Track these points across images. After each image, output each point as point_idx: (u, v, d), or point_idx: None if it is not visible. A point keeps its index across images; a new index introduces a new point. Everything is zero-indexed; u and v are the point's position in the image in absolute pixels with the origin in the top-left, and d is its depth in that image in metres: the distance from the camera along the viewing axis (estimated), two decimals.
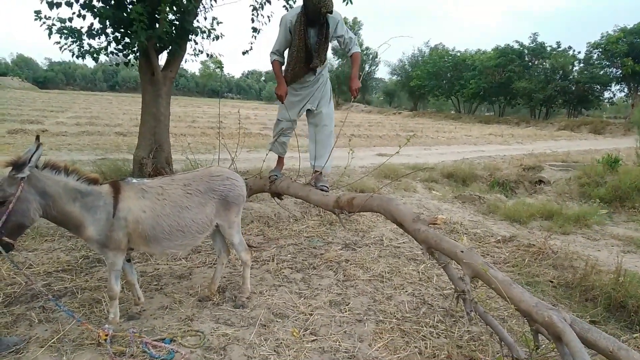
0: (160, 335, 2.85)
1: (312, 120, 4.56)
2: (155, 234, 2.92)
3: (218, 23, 6.62)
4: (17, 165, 2.44)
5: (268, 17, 7.02)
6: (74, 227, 2.75)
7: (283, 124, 4.56)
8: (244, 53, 7.03)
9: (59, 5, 5.06)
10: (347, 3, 6.69)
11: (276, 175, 4.46)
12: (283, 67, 4.32)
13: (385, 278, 4.06)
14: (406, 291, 3.82)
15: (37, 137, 2.56)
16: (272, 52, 4.27)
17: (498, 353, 2.77)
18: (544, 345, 2.72)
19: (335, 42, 4.36)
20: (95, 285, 3.56)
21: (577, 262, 4.47)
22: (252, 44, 7.06)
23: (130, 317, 3.09)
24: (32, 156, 2.46)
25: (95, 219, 2.73)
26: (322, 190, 4.11)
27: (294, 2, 7.09)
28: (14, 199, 2.42)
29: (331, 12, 3.89)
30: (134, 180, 3.01)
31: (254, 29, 6.97)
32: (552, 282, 4.13)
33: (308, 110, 4.48)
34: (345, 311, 3.38)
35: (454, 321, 3.34)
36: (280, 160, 4.80)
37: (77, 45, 5.35)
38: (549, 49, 39.56)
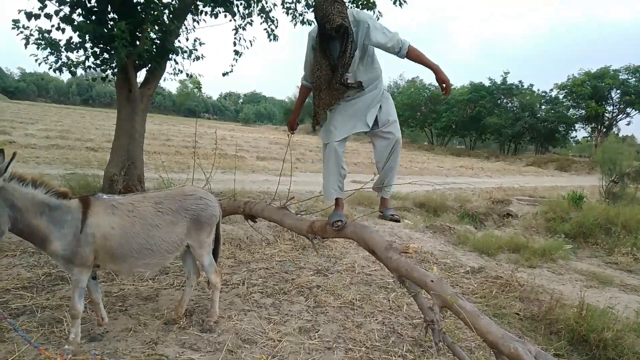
0: (123, 359, 2.75)
1: (376, 138, 3.53)
2: (123, 251, 2.85)
3: (200, 44, 6.68)
4: None
5: (250, 41, 7.13)
6: (40, 241, 2.67)
7: (335, 147, 3.38)
8: (224, 74, 7.09)
9: (37, 17, 5.00)
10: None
11: (341, 220, 3.43)
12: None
13: (356, 305, 4.05)
14: (376, 319, 3.81)
15: (1, 150, 2.49)
16: (302, 78, 3.57)
17: None
18: None
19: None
20: (56, 304, 3.42)
21: (542, 295, 4.57)
22: (232, 66, 7.13)
23: (92, 338, 2.98)
24: (6, 167, 2.39)
25: (62, 233, 2.66)
26: (392, 219, 3.59)
27: (276, 27, 7.24)
28: None
29: (337, 28, 3.00)
30: (104, 196, 2.95)
31: (236, 52, 7.06)
32: (518, 314, 4.20)
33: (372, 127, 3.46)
34: (315, 338, 3.34)
35: (422, 351, 3.35)
36: (339, 201, 3.60)
37: (54, 58, 5.27)
38: (521, 87, 41.31)
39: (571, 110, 38.26)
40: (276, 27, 7.24)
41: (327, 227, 3.53)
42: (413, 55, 3.20)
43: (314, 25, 3.25)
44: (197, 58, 6.59)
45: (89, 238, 2.72)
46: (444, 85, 3.19)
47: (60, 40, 5.28)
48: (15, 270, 3.96)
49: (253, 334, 3.29)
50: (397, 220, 3.61)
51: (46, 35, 5.12)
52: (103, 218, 2.79)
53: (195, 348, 3.00)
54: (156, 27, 5.67)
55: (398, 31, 3.18)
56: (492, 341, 2.25)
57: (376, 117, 3.40)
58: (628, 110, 35.29)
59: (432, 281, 2.68)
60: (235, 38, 6.98)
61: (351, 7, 3.30)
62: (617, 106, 35.80)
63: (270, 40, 7.24)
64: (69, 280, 3.79)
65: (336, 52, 3.17)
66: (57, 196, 2.69)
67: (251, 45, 7.15)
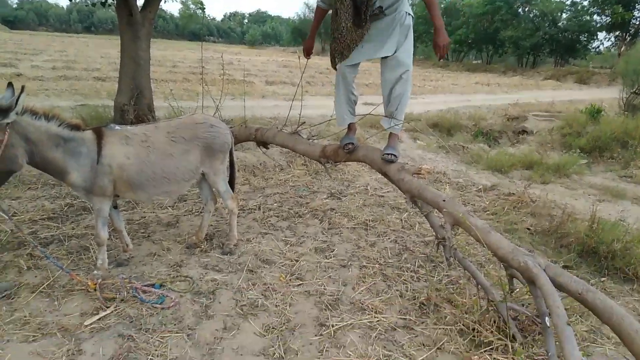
0: (150, 281, 2.92)
1: (384, 68, 3.26)
2: (140, 180, 2.92)
3: None
4: (2, 111, 2.37)
5: None
6: (58, 173, 2.73)
7: (344, 71, 3.29)
8: None
9: None
10: None
11: (352, 143, 3.47)
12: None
13: (369, 226, 4.16)
14: (389, 238, 3.94)
15: (10, 84, 2.48)
16: None
17: (475, 295, 2.92)
18: (517, 289, 2.87)
19: None
20: (82, 232, 3.58)
21: (554, 210, 4.64)
22: None
23: (119, 263, 3.15)
24: (17, 101, 2.39)
25: (79, 165, 2.71)
26: (384, 158, 3.27)
27: None
28: (2, 145, 2.38)
29: None
30: (117, 127, 2.96)
31: None
32: (529, 229, 4.29)
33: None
34: (330, 257, 3.49)
35: (433, 266, 3.48)
36: (351, 125, 3.57)
37: None
38: None
39: (595, 17, 35.91)
40: None
41: (339, 151, 3.54)
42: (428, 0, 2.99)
43: None
44: None
45: (106, 169, 2.77)
46: (439, 48, 2.97)
47: None
48: (39, 202, 4.11)
49: (271, 255, 3.45)
50: (390, 161, 3.28)
51: None
52: (118, 148, 2.82)
53: (218, 269, 3.17)
54: None
55: None
56: (502, 256, 2.33)
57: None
58: None
59: (444, 200, 2.72)
60: None
61: None
62: None
63: None
64: (91, 210, 3.94)
65: None
66: (71, 128, 2.70)
67: None
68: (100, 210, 2.87)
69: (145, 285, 2.83)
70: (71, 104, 8.52)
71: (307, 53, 3.69)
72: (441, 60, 3.22)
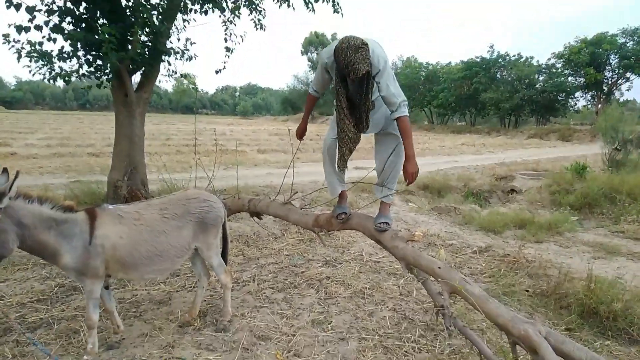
0: None
1: (377, 140, 3.40)
2: (133, 259, 2.89)
3: (192, 44, 6.64)
4: None
5: (241, 36, 7.10)
6: (50, 256, 2.70)
7: (328, 144, 3.34)
8: (217, 72, 7.08)
9: (27, 29, 4.98)
10: (336, 12, 6.85)
11: (345, 213, 3.49)
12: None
13: (367, 294, 4.09)
14: (387, 306, 3.86)
15: (5, 169, 2.52)
16: (311, 86, 3.43)
17: None
18: (522, 356, 2.79)
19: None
20: (72, 314, 3.47)
21: (550, 270, 4.61)
22: (225, 62, 7.12)
23: (110, 346, 3.03)
24: (11, 186, 2.42)
25: (72, 246, 2.69)
26: (377, 228, 3.29)
27: (263, 17, 7.19)
28: None
29: (363, 76, 2.78)
30: (110, 207, 2.98)
31: (227, 49, 7.03)
32: (527, 291, 4.24)
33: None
34: (328, 330, 3.39)
35: (434, 335, 3.39)
36: (342, 193, 3.58)
37: (47, 69, 5.27)
38: (513, 58, 40.88)
39: (570, 78, 37.84)
40: (263, 17, 7.20)
41: (332, 220, 3.56)
42: (403, 125, 2.98)
43: (329, 46, 2.98)
44: (190, 58, 6.55)
45: (99, 249, 2.75)
46: (409, 174, 3.02)
47: (52, 50, 5.27)
48: (28, 284, 4.02)
49: (267, 330, 3.34)
50: (383, 230, 3.28)
51: (37, 47, 5.10)
52: (111, 228, 2.82)
53: (212, 348, 3.05)
54: (146, 30, 5.64)
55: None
56: (502, 324, 2.29)
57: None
58: (628, 74, 34.84)
59: (439, 268, 2.71)
60: (225, 34, 6.95)
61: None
62: (617, 71, 35.33)
63: (257, 29, 7.21)
64: (81, 290, 3.85)
65: (355, 90, 2.95)
66: (64, 210, 2.72)
67: (242, 40, 7.12)
68: (91, 292, 2.81)
69: None
70: (64, 181, 8.58)
71: (300, 136, 3.66)
72: (409, 185, 3.22)
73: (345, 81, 2.95)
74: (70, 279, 3.93)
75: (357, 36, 2.78)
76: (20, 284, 4.01)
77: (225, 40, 6.95)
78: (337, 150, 3.26)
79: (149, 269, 2.98)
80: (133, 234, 2.87)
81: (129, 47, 5.46)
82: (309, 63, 56.05)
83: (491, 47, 41.66)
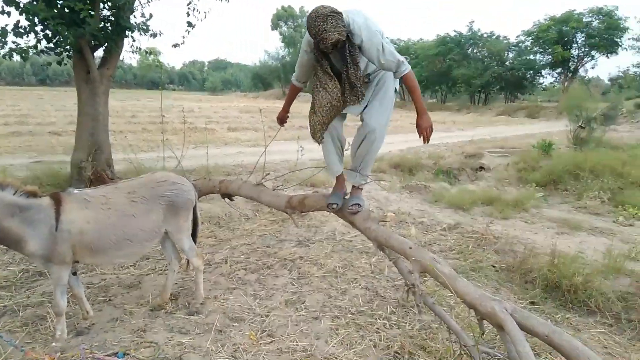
0: (113, 349, 2.76)
1: (360, 127, 3.24)
2: (101, 244, 2.83)
3: (150, 16, 6.35)
4: None
5: (205, 12, 6.85)
6: (14, 243, 2.62)
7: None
8: (174, 46, 6.88)
9: None
10: None
11: (337, 204, 3.32)
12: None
13: (339, 273, 4.14)
14: (359, 285, 3.91)
15: None
16: (293, 76, 3.33)
17: (447, 340, 2.92)
18: (488, 331, 2.89)
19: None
20: (38, 301, 3.38)
21: (517, 246, 4.77)
22: (184, 37, 6.91)
23: (79, 332, 2.97)
24: None
25: (37, 233, 2.61)
26: (350, 211, 3.25)
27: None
28: None
29: (334, 44, 2.70)
30: (76, 191, 2.89)
31: (189, 24, 6.78)
32: (494, 266, 4.38)
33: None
34: (301, 310, 3.42)
35: (405, 312, 3.47)
36: (339, 178, 3.43)
37: (0, 44, 4.96)
38: (485, 35, 41.31)
39: (538, 56, 38.62)
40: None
41: (305, 201, 3.55)
42: (409, 83, 2.94)
43: None
44: (155, 35, 6.30)
45: (65, 235, 2.67)
46: (423, 130, 2.98)
47: (7, 25, 4.95)
48: None
49: (240, 312, 3.35)
50: (355, 212, 3.25)
51: None
52: (77, 213, 2.73)
53: (184, 331, 3.04)
54: (108, 4, 5.37)
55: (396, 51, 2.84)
56: (470, 302, 2.36)
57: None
58: (593, 53, 35.83)
59: (410, 248, 2.75)
60: (188, 8, 6.67)
61: (346, 13, 2.80)
62: (582, 50, 36.28)
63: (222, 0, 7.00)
64: (47, 276, 3.75)
65: (339, 62, 2.90)
66: (27, 196, 2.62)
67: (205, 16, 6.86)
68: (59, 278, 2.74)
69: (107, 355, 2.67)
70: (25, 161, 8.23)
71: (281, 122, 3.63)
72: (426, 142, 3.09)
73: (328, 56, 2.89)
74: (36, 265, 3.81)
75: (328, 5, 2.72)
76: None
77: (188, 14, 6.69)
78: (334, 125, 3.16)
79: (117, 253, 2.92)
80: (100, 219, 2.80)
81: (88, 22, 5.19)
82: (280, 36, 54.98)
83: (471, 22, 41.78)
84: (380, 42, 2.79)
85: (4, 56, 4.99)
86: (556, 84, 41.28)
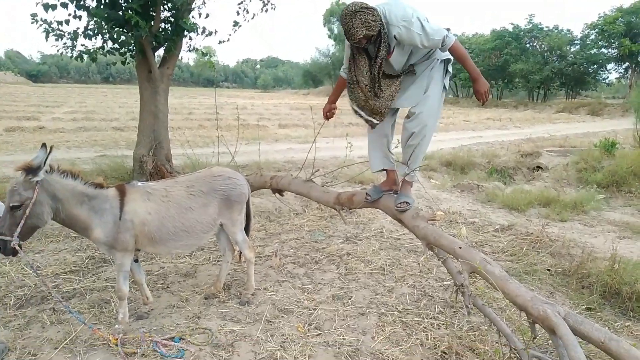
0: (170, 334, 2.93)
1: (406, 120, 3.23)
2: (161, 235, 3.00)
3: (207, 15, 6.57)
4: (33, 169, 2.53)
5: (254, 14, 6.96)
6: (82, 229, 2.83)
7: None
8: (220, 42, 7.06)
9: (54, 7, 5.05)
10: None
11: (370, 195, 3.47)
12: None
13: (387, 271, 4.14)
14: (407, 283, 3.90)
15: (44, 144, 2.63)
16: (342, 69, 3.36)
17: (497, 342, 2.87)
18: (540, 335, 2.81)
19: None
20: (102, 285, 3.64)
21: (574, 249, 4.57)
22: (230, 35, 7.04)
23: (139, 316, 3.17)
24: (46, 160, 2.54)
25: (103, 221, 2.81)
26: (398, 209, 3.26)
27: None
28: (31, 202, 2.51)
29: (360, 41, 2.79)
30: (139, 184, 3.08)
31: (235, 23, 6.91)
32: (549, 270, 4.22)
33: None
34: (348, 305, 3.47)
35: (453, 312, 3.43)
36: (389, 173, 3.51)
37: (71, 47, 5.35)
38: (545, 29, 39.33)
39: (603, 50, 36.27)
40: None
41: (353, 198, 3.59)
42: (456, 54, 2.98)
43: None
44: (210, 34, 6.53)
45: (128, 224, 2.86)
46: (481, 94, 3.04)
47: (78, 28, 5.34)
48: (61, 255, 4.21)
49: (289, 304, 3.44)
50: (403, 210, 3.26)
51: (64, 26, 5.18)
52: (139, 204, 2.92)
53: (236, 320, 3.17)
54: (168, 5, 5.64)
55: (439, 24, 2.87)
56: (521, 304, 2.30)
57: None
58: None
59: (460, 248, 2.72)
60: (239, 7, 6.82)
61: (383, 6, 2.84)
62: None
63: (266, 11, 7.10)
64: (111, 263, 4.02)
65: (373, 52, 2.95)
66: (95, 187, 2.84)
67: (253, 17, 6.97)
68: (122, 264, 2.94)
69: (165, 339, 2.84)
70: (91, 155, 8.81)
71: (327, 116, 3.62)
72: (483, 104, 3.21)
73: (365, 50, 2.96)
74: (101, 251, 4.10)
75: (361, 1, 2.78)
76: (53, 255, 4.20)
77: (238, 13, 6.84)
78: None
79: (176, 243, 3.09)
80: (161, 210, 2.97)
81: (152, 23, 5.48)
82: (328, 32, 54.95)
83: (531, 15, 39.92)
84: (419, 26, 2.78)
85: (76, 58, 5.38)
86: (622, 79, 38.62)
